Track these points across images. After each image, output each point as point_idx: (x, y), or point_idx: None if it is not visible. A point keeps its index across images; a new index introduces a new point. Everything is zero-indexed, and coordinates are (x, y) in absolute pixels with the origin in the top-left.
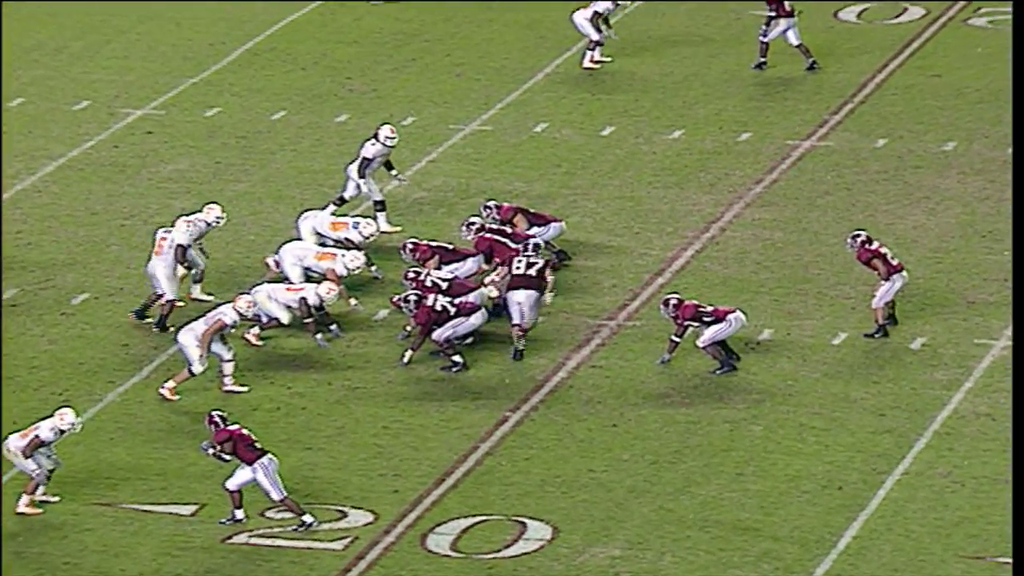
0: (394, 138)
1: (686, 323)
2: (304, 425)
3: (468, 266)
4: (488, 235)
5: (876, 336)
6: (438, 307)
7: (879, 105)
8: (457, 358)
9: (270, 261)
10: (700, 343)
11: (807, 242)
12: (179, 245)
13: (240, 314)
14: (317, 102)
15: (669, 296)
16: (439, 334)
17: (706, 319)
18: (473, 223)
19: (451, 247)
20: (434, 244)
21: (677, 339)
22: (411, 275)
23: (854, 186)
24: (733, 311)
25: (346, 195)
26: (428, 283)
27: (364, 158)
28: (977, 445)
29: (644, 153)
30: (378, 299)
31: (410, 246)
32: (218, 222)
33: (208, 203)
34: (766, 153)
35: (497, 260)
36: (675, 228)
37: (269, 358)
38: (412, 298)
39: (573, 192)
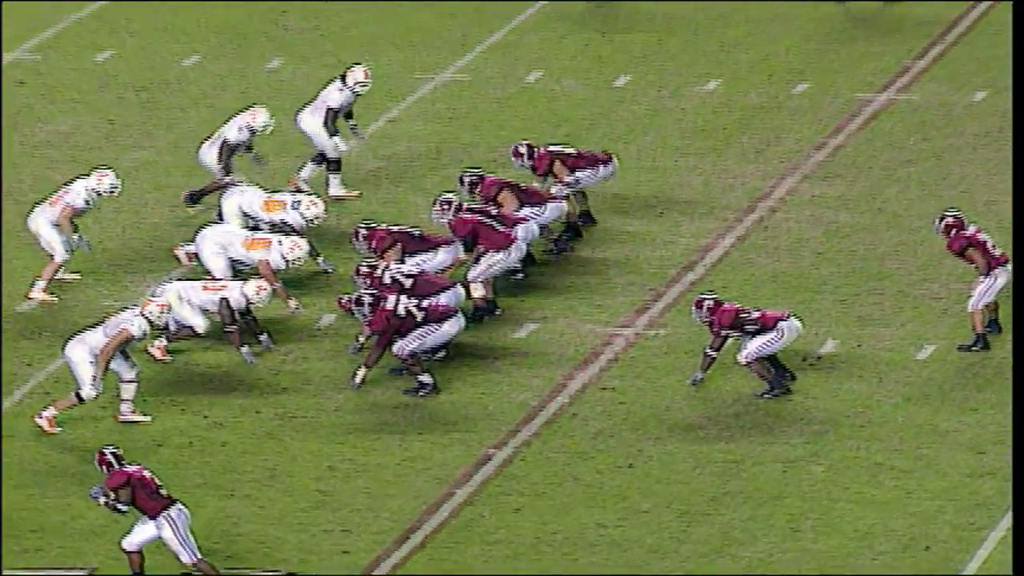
0: (367, 84)
1: (724, 332)
2: (225, 465)
3: (440, 258)
4: (468, 217)
5: (974, 349)
6: (400, 311)
7: (976, 47)
8: (425, 378)
9: (181, 252)
10: (742, 358)
11: (883, 226)
12: (70, 207)
13: (151, 322)
14: (241, 44)
15: (703, 296)
16: (402, 346)
17: (749, 327)
18: (448, 202)
19: (418, 233)
20: (395, 229)
21: (713, 353)
22: (364, 270)
23: (944, 153)
24: (785, 317)
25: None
26: (386, 280)
27: (330, 109)
28: None
29: (670, 110)
30: (324, 300)
31: (363, 232)
32: (112, 192)
33: (98, 168)
34: (829, 110)
35: (482, 248)
36: (710, 208)
37: (179, 378)
38: (366, 300)
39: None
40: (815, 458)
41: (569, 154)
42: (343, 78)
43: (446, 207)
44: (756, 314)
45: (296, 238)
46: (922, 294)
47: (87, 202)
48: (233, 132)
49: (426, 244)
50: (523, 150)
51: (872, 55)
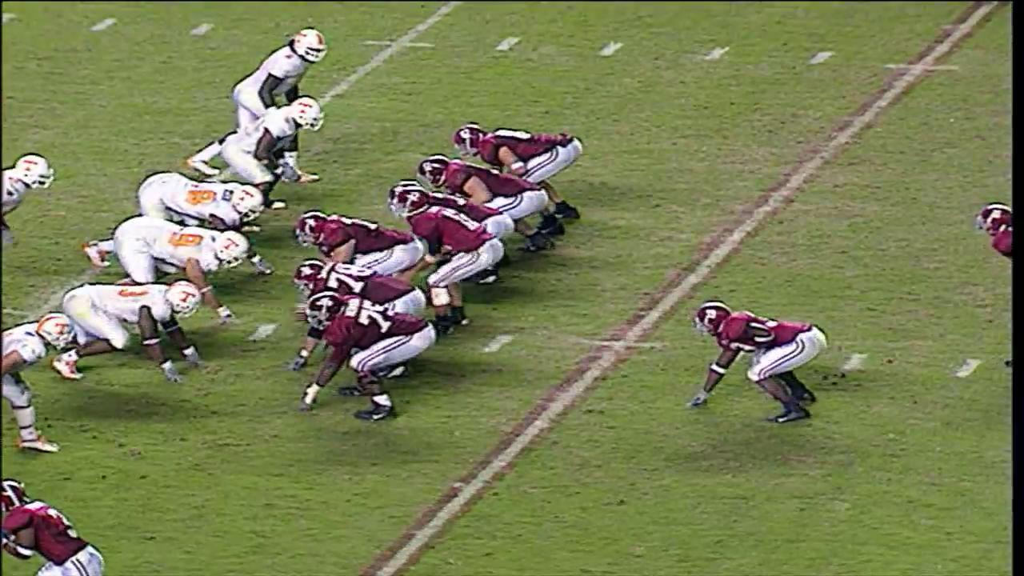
0: (321, 50)
1: (734, 345)
2: (144, 502)
3: (396, 257)
4: (432, 213)
5: None
6: (363, 319)
7: None
8: (383, 400)
9: (92, 251)
10: (754, 375)
11: (918, 220)
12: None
13: (47, 343)
14: (162, 7)
15: (706, 305)
16: (363, 361)
17: (761, 339)
18: (407, 193)
19: (374, 227)
20: (348, 222)
21: (720, 370)
22: (307, 271)
23: (991, 133)
24: (805, 328)
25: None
26: (332, 282)
27: (272, 76)
28: None
29: (668, 83)
30: (261, 308)
31: (311, 223)
32: (42, 183)
33: (24, 156)
34: (855, 83)
35: (449, 247)
36: (715, 199)
37: (90, 400)
38: (325, 303)
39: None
40: (838, 493)
41: (519, 139)
42: (291, 44)
43: (408, 198)
44: (770, 324)
45: (232, 234)
46: (964, 300)
47: (10, 193)
48: (278, 123)
49: (381, 241)
50: (466, 135)
51: (906, 18)
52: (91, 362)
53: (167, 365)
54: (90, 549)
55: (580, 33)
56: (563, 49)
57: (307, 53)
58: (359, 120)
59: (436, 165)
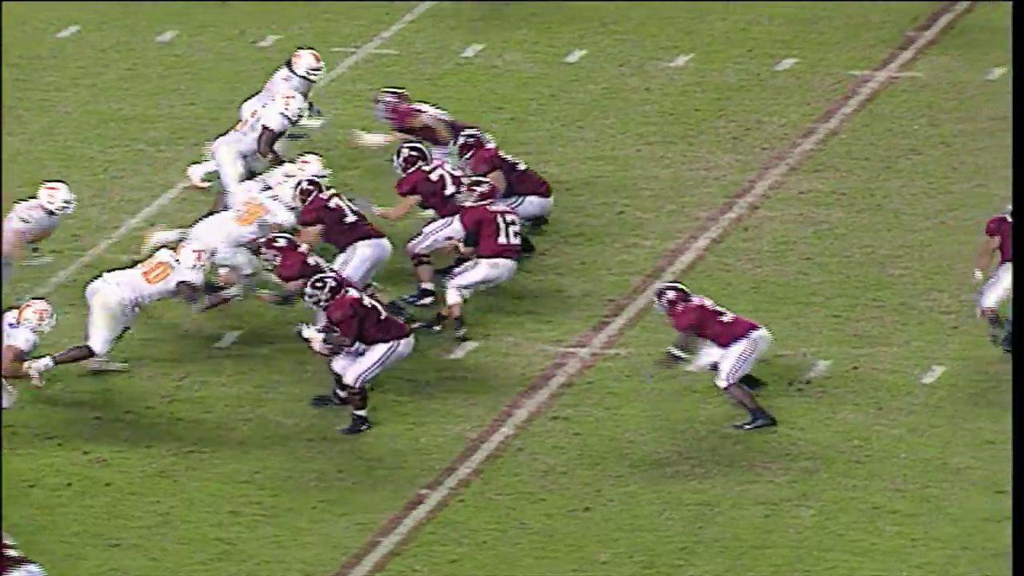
0: (319, 68)
1: (686, 331)
2: (109, 510)
3: (360, 252)
4: (480, 207)
5: (1004, 346)
6: (367, 302)
7: (993, 15)
8: (365, 412)
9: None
10: (721, 382)
11: (884, 226)
12: (184, 283)
13: (33, 331)
14: (127, 12)
15: (667, 285)
16: (361, 375)
17: (710, 333)
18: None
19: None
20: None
21: (678, 354)
22: (282, 242)
23: (955, 140)
24: (756, 326)
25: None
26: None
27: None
28: None
29: (632, 90)
30: (228, 315)
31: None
32: (65, 210)
33: (48, 182)
34: (820, 90)
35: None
36: (680, 205)
37: (56, 407)
38: (329, 283)
39: (523, 149)
40: (803, 500)
41: (516, 169)
42: (289, 65)
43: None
44: (728, 318)
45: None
46: (929, 307)
47: (25, 221)
48: (275, 118)
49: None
50: (385, 98)
51: (870, 25)
52: (57, 369)
53: (232, 291)
54: (30, 567)
55: (545, 40)
56: (528, 56)
57: (308, 73)
58: (325, 127)
59: (470, 140)
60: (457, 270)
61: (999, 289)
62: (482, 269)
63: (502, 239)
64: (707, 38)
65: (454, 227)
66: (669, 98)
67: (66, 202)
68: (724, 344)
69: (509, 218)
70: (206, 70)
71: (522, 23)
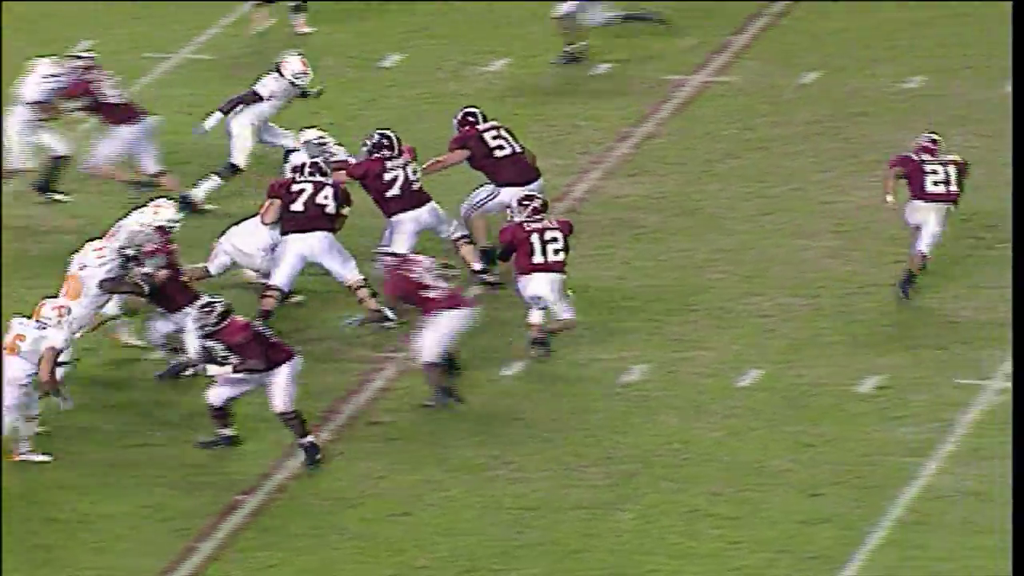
0: (305, 74)
1: (394, 298)
2: None
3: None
4: (519, 222)
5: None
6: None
7: (806, 21)
8: (312, 438)
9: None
10: (421, 357)
11: (700, 230)
12: (104, 280)
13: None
14: None
15: (387, 251)
16: (221, 393)
17: (417, 304)
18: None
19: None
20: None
21: (387, 313)
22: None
23: (772, 144)
24: (462, 304)
25: (236, 160)
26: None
27: (255, 92)
28: (965, 541)
29: (451, 94)
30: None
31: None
32: (172, 228)
33: (154, 199)
34: (636, 94)
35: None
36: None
37: None
38: (217, 307)
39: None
40: (623, 504)
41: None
42: (278, 69)
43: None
44: (435, 293)
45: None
46: (746, 310)
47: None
48: (269, 84)
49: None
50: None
51: (685, 30)
52: None
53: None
54: None
55: (360, 44)
56: (345, 60)
57: (294, 78)
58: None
59: (469, 116)
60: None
61: (928, 235)
62: (527, 287)
63: (537, 258)
64: (524, 42)
65: (501, 199)
66: (486, 102)
67: (172, 220)
68: (430, 318)
69: (549, 235)
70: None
71: (338, 27)
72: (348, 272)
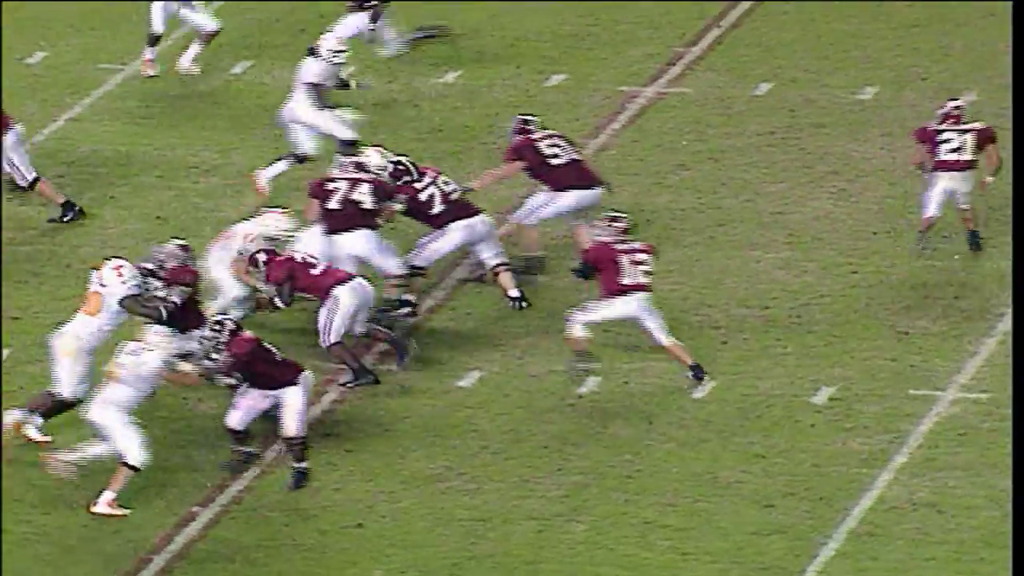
0: (342, 50)
1: (280, 285)
2: None
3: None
4: (602, 245)
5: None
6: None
7: (760, 31)
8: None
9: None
10: (323, 343)
11: (653, 241)
12: (125, 298)
13: (157, 314)
14: None
15: (259, 248)
16: (240, 416)
17: (304, 285)
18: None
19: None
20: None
21: (278, 304)
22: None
23: (724, 155)
24: (350, 278)
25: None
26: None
27: (307, 83)
28: (917, 553)
29: (401, 106)
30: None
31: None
32: (290, 237)
33: (267, 207)
34: (589, 106)
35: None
36: None
37: None
38: (228, 324)
39: (295, 165)
40: (575, 515)
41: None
42: (312, 51)
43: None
44: (318, 271)
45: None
46: (699, 321)
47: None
48: (312, 68)
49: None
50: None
51: (638, 41)
52: None
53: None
54: None
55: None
56: (294, 72)
57: (331, 55)
58: (92, 144)
59: (525, 125)
60: (588, 305)
61: (935, 200)
62: (617, 307)
63: (626, 279)
64: (476, 54)
65: (558, 205)
66: (439, 115)
67: (286, 231)
68: (322, 296)
69: (639, 256)
70: None
71: (290, 40)
72: (391, 266)
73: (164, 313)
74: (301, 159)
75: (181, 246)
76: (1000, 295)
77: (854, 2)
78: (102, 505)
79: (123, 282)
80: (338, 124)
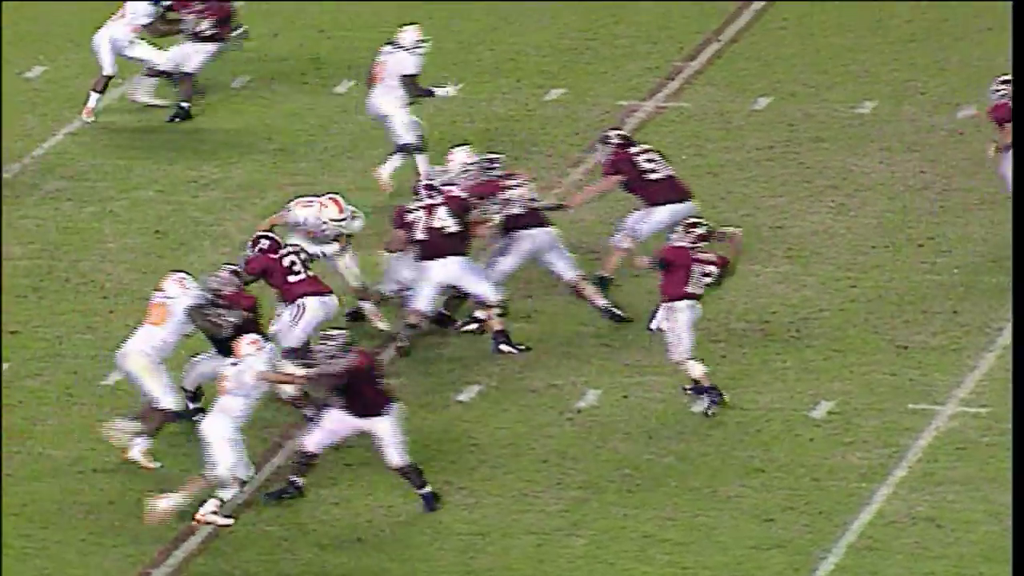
0: (425, 41)
1: (255, 276)
2: None
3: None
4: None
5: None
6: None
7: (760, 45)
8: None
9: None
10: (285, 342)
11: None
12: (191, 308)
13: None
14: None
15: (260, 235)
16: (319, 439)
17: (275, 283)
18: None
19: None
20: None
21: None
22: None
23: (723, 169)
24: (324, 292)
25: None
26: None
27: (404, 75)
28: (916, 567)
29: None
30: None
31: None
32: (337, 228)
33: (322, 195)
34: (588, 120)
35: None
36: None
37: None
38: (339, 339)
39: (293, 180)
40: (574, 529)
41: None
42: (396, 44)
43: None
44: (296, 279)
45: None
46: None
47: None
48: (406, 60)
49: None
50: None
51: (637, 55)
52: None
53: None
54: None
55: (313, 70)
56: (296, 87)
57: (414, 47)
58: (92, 158)
59: (621, 140)
60: (668, 341)
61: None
62: (685, 313)
63: (690, 288)
64: (475, 68)
65: (654, 221)
66: (437, 129)
67: (335, 221)
68: (288, 302)
69: (707, 269)
70: None
71: (290, 55)
72: (484, 291)
73: (230, 329)
74: (411, 149)
75: (233, 272)
76: (999, 309)
77: (852, 16)
78: (207, 514)
79: (187, 290)
80: (405, 125)
